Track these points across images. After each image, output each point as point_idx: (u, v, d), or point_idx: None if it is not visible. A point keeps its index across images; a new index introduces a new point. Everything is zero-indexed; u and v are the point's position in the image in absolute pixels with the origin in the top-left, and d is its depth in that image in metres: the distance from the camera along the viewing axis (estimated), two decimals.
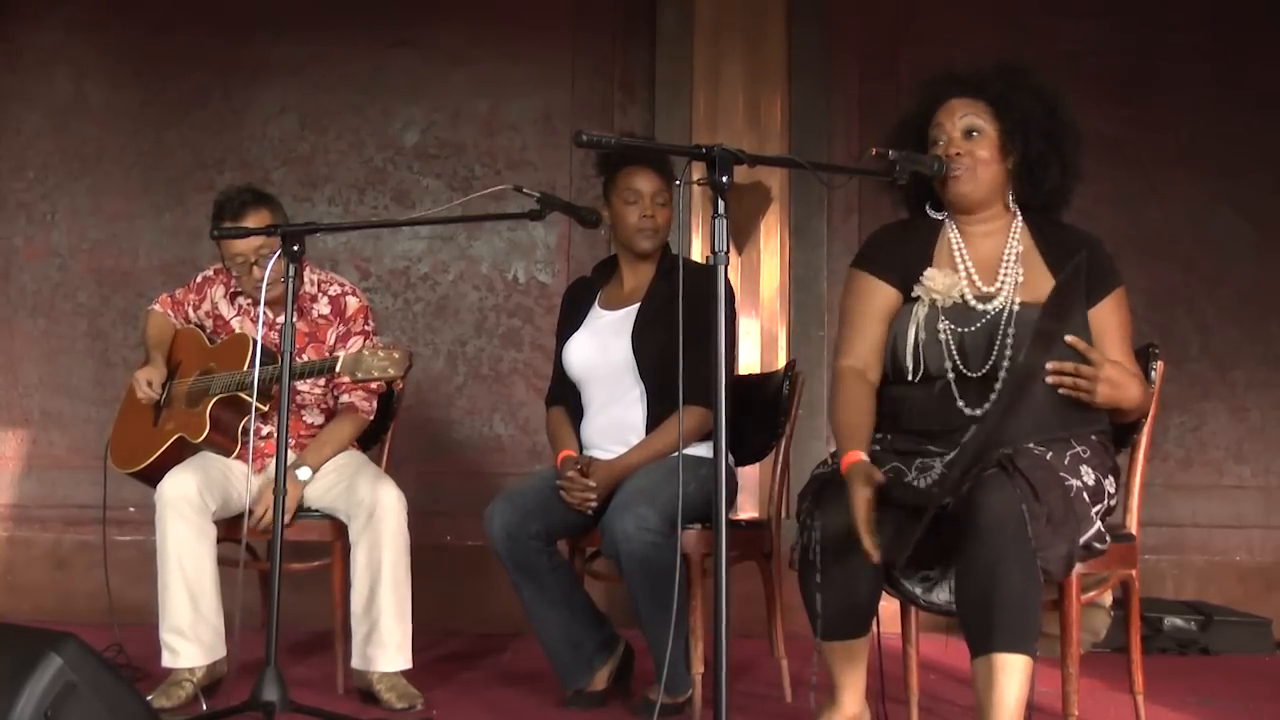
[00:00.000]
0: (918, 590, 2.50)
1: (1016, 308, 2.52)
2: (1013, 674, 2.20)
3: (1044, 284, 2.56)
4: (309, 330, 3.47)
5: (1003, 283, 2.57)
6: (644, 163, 3.21)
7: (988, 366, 2.50)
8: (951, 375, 2.51)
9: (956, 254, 2.62)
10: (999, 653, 2.21)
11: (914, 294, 2.59)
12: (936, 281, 2.56)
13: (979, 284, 2.58)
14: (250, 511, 3.24)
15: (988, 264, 2.61)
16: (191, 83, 4.93)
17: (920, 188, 2.68)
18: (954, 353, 2.51)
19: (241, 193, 3.41)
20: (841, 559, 2.34)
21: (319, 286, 3.53)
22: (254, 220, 3.31)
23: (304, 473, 3.32)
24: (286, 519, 3.06)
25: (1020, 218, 2.65)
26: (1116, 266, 2.64)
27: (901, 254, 2.65)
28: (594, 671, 3.17)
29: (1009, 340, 2.49)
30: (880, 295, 2.64)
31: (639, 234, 3.22)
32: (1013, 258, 2.60)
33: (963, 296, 2.56)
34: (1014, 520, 2.22)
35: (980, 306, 2.55)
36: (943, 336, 2.53)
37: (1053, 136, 2.60)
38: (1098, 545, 2.44)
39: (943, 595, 2.49)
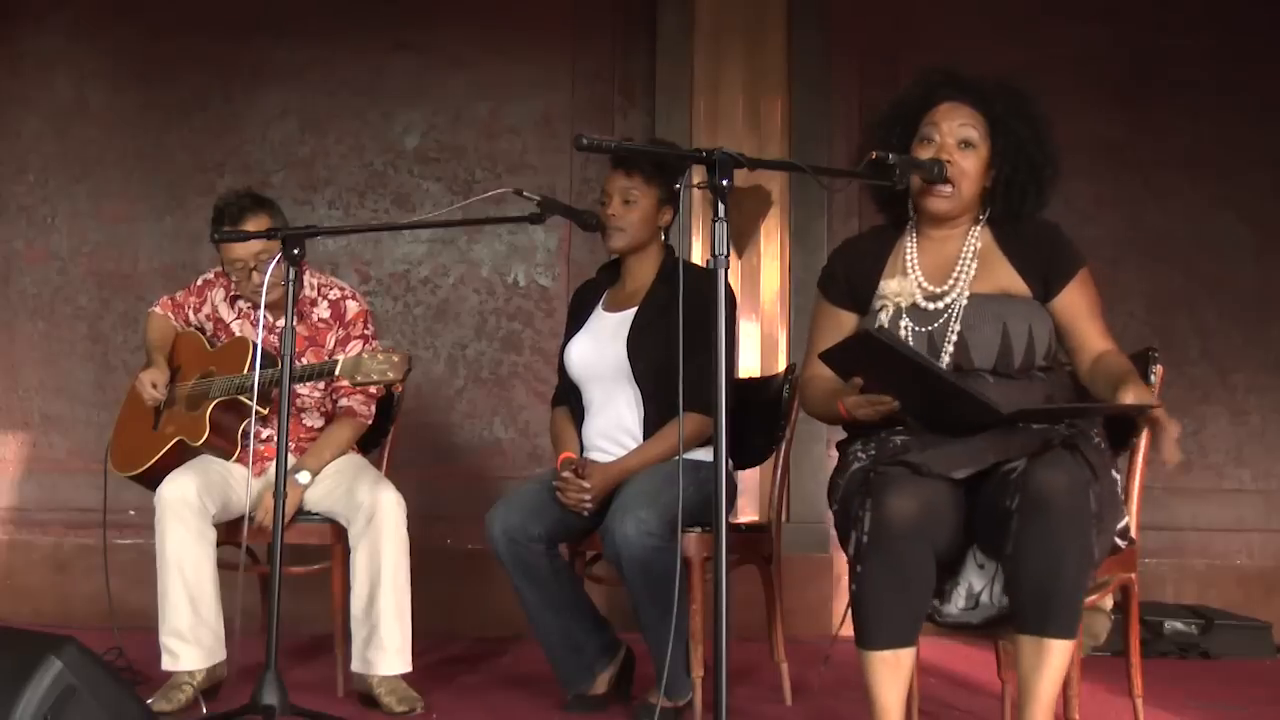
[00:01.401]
0: (935, 602, 2.50)
1: (965, 301, 2.56)
2: (1061, 656, 2.31)
3: (1001, 274, 2.61)
4: (309, 334, 3.47)
5: (955, 280, 2.60)
6: (619, 163, 3.23)
7: (959, 357, 2.52)
8: None
9: (908, 261, 2.66)
10: (1051, 638, 2.29)
11: (876, 305, 2.63)
12: (890, 288, 2.62)
13: (927, 286, 2.61)
14: (250, 517, 3.24)
15: (939, 267, 2.64)
16: (192, 86, 4.93)
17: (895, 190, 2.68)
18: (920, 349, 2.53)
19: (240, 197, 3.40)
20: (891, 555, 2.31)
21: (319, 290, 3.53)
22: (253, 225, 3.31)
23: (303, 476, 3.32)
24: (286, 521, 3.06)
25: (983, 222, 2.67)
26: (1078, 249, 2.66)
27: (852, 279, 2.71)
28: (595, 675, 3.17)
29: (954, 334, 2.53)
30: (835, 320, 2.72)
31: (605, 233, 3.24)
32: (969, 256, 2.62)
33: (914, 299, 2.59)
34: (1082, 506, 2.27)
35: (931, 306, 2.58)
36: (905, 334, 2.56)
37: (1037, 168, 2.63)
38: (1119, 542, 2.48)
39: (959, 605, 2.49)
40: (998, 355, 2.51)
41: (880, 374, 2.41)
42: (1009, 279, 2.60)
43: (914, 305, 2.59)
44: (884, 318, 2.58)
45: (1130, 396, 2.41)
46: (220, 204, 3.41)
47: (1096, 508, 2.29)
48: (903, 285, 2.60)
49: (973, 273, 2.60)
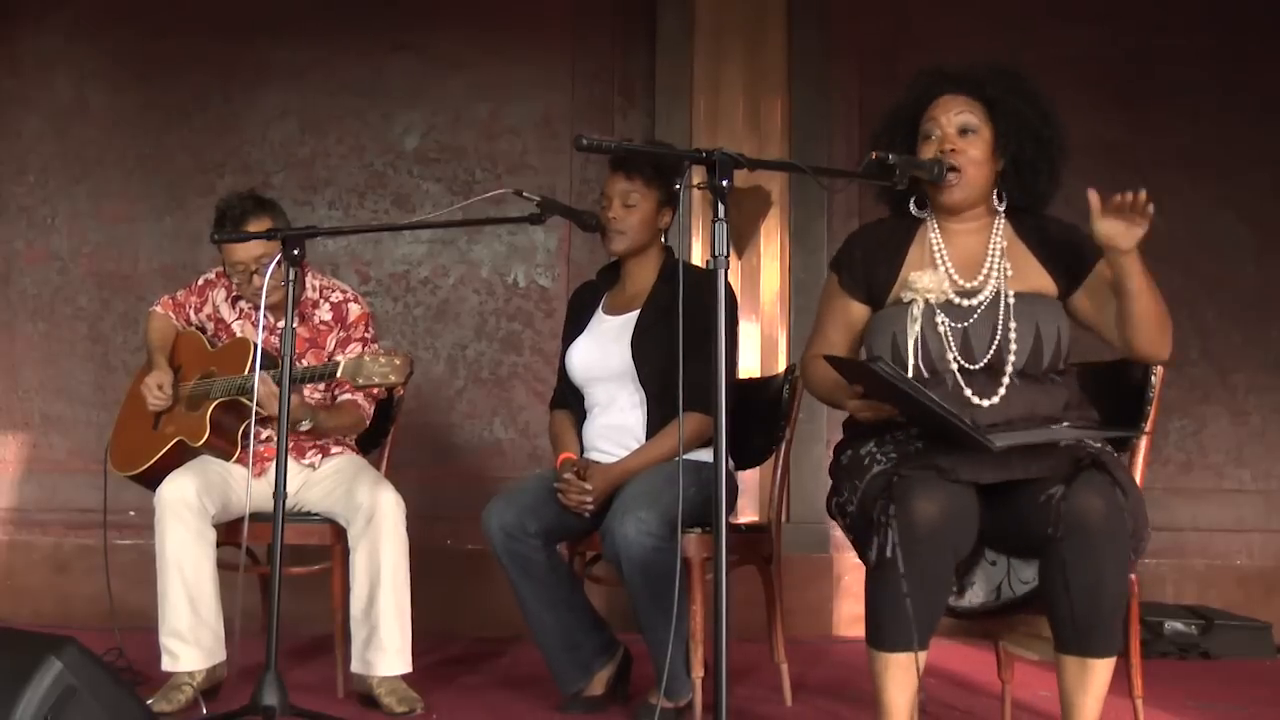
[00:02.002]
0: (949, 600, 2.50)
1: (1012, 300, 2.55)
2: (1104, 673, 2.38)
3: (1031, 271, 2.60)
4: (310, 336, 3.47)
5: (988, 276, 2.59)
6: (619, 165, 3.23)
7: (989, 356, 2.51)
8: (954, 367, 2.52)
9: (936, 254, 2.64)
10: (1095, 658, 2.35)
11: (905, 298, 2.60)
12: (923, 281, 2.58)
13: (959, 280, 2.60)
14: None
15: (969, 261, 2.62)
16: (192, 86, 4.93)
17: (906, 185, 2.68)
18: (954, 345, 2.52)
19: (243, 200, 3.39)
20: (914, 558, 2.31)
21: (321, 293, 3.53)
22: (254, 228, 3.30)
23: (304, 425, 3.28)
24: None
25: (1002, 215, 2.67)
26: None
27: (870, 268, 2.69)
28: (592, 675, 3.17)
29: (1011, 333, 2.51)
30: (845, 309, 2.71)
31: (606, 236, 3.24)
32: (998, 253, 2.62)
33: (947, 295, 2.58)
34: (1120, 530, 2.29)
35: (966, 302, 2.57)
36: (941, 329, 2.54)
37: (1044, 143, 2.62)
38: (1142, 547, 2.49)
39: (978, 599, 2.49)
40: (1029, 356, 2.51)
41: (881, 391, 2.42)
42: (1039, 277, 2.60)
43: (947, 301, 2.57)
44: (915, 311, 2.55)
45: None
46: (222, 206, 3.41)
47: (1131, 527, 2.31)
48: (935, 280, 2.58)
49: (1007, 270, 2.59)
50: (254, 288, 3.35)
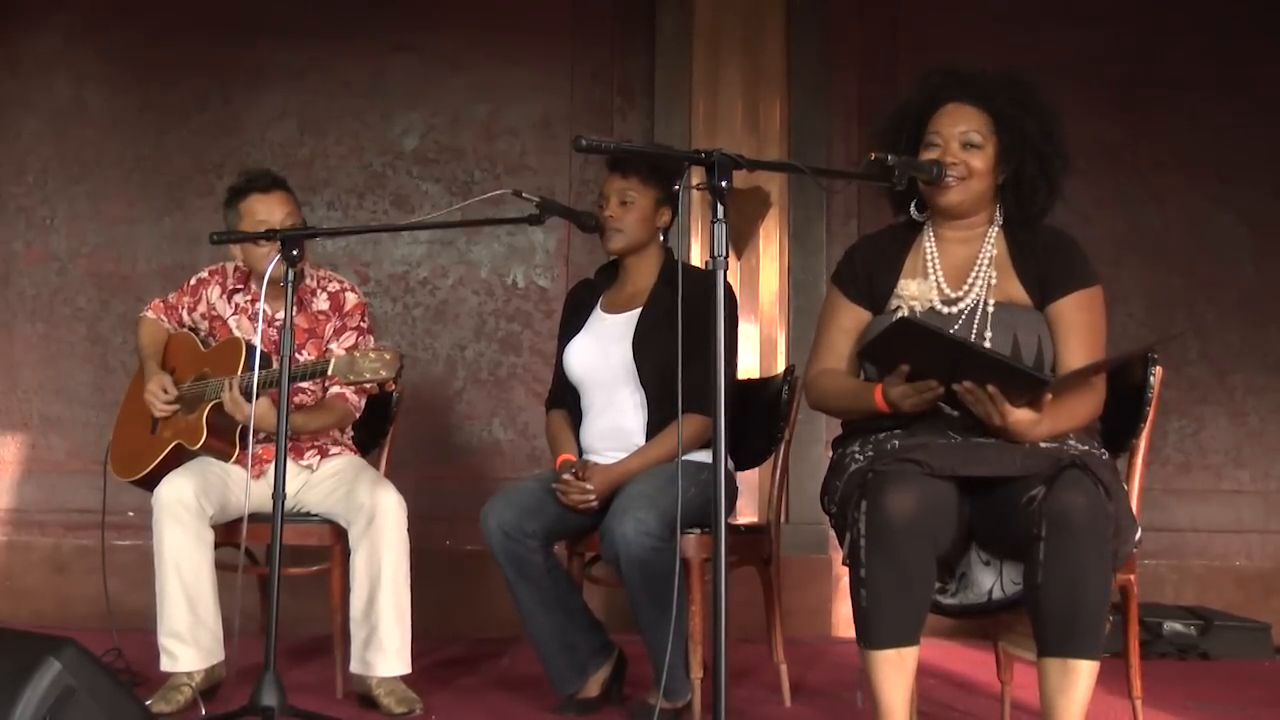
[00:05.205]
0: (938, 598, 2.50)
1: (991, 309, 2.55)
2: (1087, 677, 2.30)
3: (1009, 283, 2.61)
4: (308, 325, 3.46)
5: (972, 285, 2.60)
6: (615, 165, 3.23)
7: None
8: None
9: (929, 261, 2.65)
10: (1077, 659, 2.30)
11: (893, 305, 2.62)
12: (910, 290, 2.61)
13: (946, 289, 2.61)
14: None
15: (957, 269, 2.63)
16: (191, 87, 4.93)
17: (909, 187, 2.68)
18: None
19: (267, 173, 3.43)
20: (891, 552, 2.31)
21: (319, 282, 3.53)
22: (280, 200, 3.36)
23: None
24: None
25: (999, 225, 2.67)
26: (1091, 269, 2.63)
27: (870, 275, 2.70)
28: (587, 676, 3.16)
29: (986, 342, 2.51)
30: (851, 316, 2.71)
31: (604, 234, 3.24)
32: (986, 261, 2.62)
33: (931, 302, 2.58)
34: (1101, 526, 2.27)
35: (947, 310, 2.58)
36: None
37: (1046, 160, 2.62)
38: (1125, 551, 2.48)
39: (970, 597, 2.49)
40: None
41: (924, 360, 2.41)
42: (1014, 288, 2.60)
43: (931, 309, 2.58)
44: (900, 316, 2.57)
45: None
46: (247, 175, 3.43)
47: (1113, 527, 2.30)
48: (923, 288, 2.59)
49: (992, 279, 2.59)
50: (261, 257, 3.35)
